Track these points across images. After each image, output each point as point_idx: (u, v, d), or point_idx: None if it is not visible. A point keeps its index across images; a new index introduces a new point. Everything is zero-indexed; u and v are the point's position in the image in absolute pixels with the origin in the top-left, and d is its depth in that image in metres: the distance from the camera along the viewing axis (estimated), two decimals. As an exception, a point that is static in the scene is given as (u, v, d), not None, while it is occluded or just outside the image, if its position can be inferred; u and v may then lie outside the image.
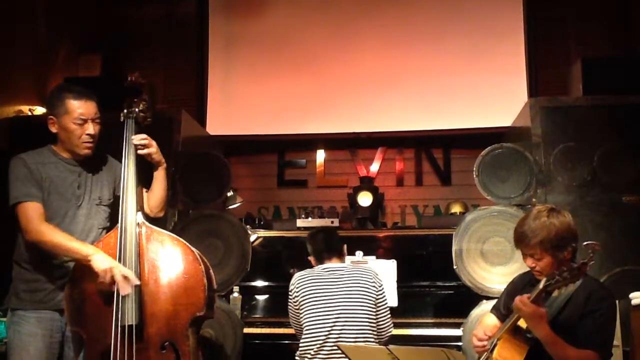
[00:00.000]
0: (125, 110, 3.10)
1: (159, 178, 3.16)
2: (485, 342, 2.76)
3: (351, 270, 3.42)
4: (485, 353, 2.71)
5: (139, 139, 3.05)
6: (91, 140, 3.01)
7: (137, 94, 3.14)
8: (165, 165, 3.18)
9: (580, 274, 2.44)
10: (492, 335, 2.77)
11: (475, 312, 3.84)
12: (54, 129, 3.01)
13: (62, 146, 3.03)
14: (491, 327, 2.88)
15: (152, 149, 3.08)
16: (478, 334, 2.82)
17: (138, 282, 2.77)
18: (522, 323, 2.61)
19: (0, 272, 3.12)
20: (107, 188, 3.13)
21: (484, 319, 3.08)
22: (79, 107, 2.96)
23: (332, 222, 4.91)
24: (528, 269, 2.81)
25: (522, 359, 2.58)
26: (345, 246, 3.65)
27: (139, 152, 3.03)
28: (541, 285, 2.48)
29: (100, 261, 2.76)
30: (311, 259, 3.61)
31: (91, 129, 2.99)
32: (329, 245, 3.55)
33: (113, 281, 2.74)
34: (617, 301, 2.73)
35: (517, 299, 2.61)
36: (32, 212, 2.87)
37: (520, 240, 2.75)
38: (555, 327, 2.57)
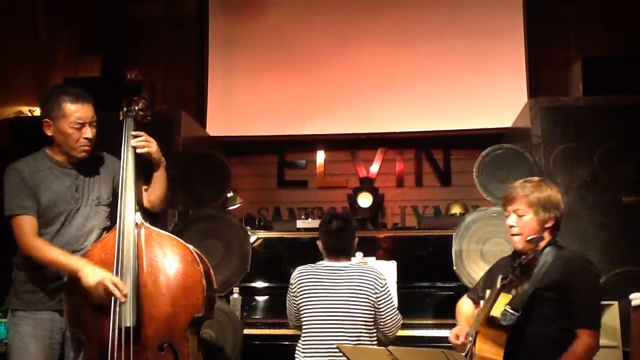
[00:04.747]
0: (124, 109, 3.08)
1: (160, 175, 3.14)
2: (462, 340, 2.76)
3: (352, 271, 3.39)
4: (469, 346, 2.71)
5: (137, 140, 3.03)
6: (88, 144, 2.98)
7: (136, 93, 3.12)
8: (165, 162, 3.15)
9: (531, 268, 2.45)
10: (467, 333, 2.77)
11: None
12: (49, 132, 2.97)
13: (58, 149, 3.00)
14: (467, 317, 2.90)
15: (152, 148, 3.06)
16: (452, 337, 2.84)
17: (126, 293, 2.75)
18: (495, 312, 2.59)
19: (0, 273, 3.13)
20: (105, 187, 3.11)
21: (459, 306, 3.09)
22: (77, 111, 2.93)
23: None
24: None
25: (502, 348, 2.57)
26: (356, 240, 3.58)
27: (138, 151, 3.00)
28: (498, 285, 2.48)
29: (89, 276, 2.74)
30: (319, 243, 3.51)
31: (88, 132, 2.96)
32: (339, 241, 3.44)
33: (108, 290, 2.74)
34: (596, 268, 2.79)
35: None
36: (24, 226, 2.87)
37: (508, 195, 2.79)
38: (539, 297, 2.57)
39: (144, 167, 3.12)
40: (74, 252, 2.94)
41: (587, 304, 2.60)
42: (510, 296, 2.61)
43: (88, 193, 3.05)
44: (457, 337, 2.81)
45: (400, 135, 5.90)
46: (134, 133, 3.04)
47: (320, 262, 3.48)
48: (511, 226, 2.76)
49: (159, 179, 3.14)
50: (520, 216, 2.73)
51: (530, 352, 2.59)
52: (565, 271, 2.61)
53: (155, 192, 3.14)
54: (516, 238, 2.76)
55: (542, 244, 2.71)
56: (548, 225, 2.72)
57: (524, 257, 2.49)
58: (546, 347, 2.61)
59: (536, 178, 2.84)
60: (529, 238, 2.65)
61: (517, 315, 2.55)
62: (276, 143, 6.14)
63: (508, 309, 2.56)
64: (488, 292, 2.63)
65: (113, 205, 3.07)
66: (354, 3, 6.01)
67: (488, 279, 2.90)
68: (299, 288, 3.38)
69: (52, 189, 2.96)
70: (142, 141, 3.03)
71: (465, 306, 3.04)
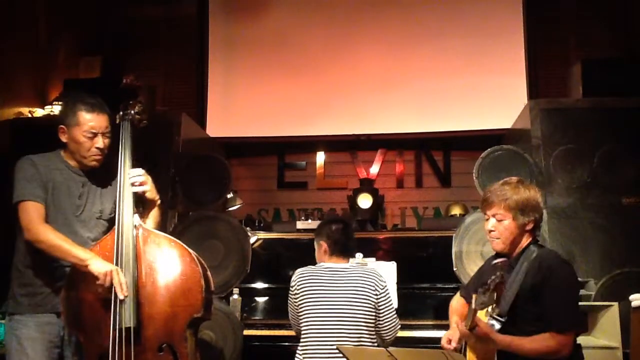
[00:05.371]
0: (120, 113, 3.10)
1: (153, 216, 3.11)
2: (455, 345, 2.76)
3: (352, 272, 3.39)
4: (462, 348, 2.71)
5: (134, 174, 2.99)
6: (100, 153, 3.00)
7: (132, 96, 3.13)
8: (159, 202, 3.13)
9: (499, 292, 2.39)
10: (459, 337, 2.77)
11: (475, 314, 3.84)
12: (63, 139, 3.00)
13: (72, 155, 3.03)
14: (459, 316, 2.89)
15: (147, 187, 3.02)
16: (444, 341, 2.83)
17: (127, 294, 2.75)
18: (481, 316, 2.58)
19: (0, 275, 3.12)
20: (109, 202, 3.10)
21: (451, 304, 3.08)
22: (91, 120, 2.95)
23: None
24: None
25: (493, 352, 2.56)
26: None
27: (133, 189, 2.97)
28: (473, 306, 2.44)
29: (99, 264, 2.75)
30: (322, 243, 3.48)
31: (100, 142, 2.98)
32: (347, 240, 3.46)
33: (111, 285, 2.74)
34: (572, 267, 2.70)
35: (460, 331, 2.61)
36: (34, 211, 2.86)
37: (486, 199, 2.75)
38: (521, 302, 2.56)
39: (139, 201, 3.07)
40: None
41: (557, 306, 2.54)
42: (486, 312, 2.61)
43: (91, 204, 3.06)
44: (449, 341, 2.80)
45: (400, 137, 5.91)
46: (131, 171, 2.99)
47: (320, 263, 3.47)
48: (490, 230, 2.74)
49: (152, 218, 3.11)
50: (499, 221, 2.70)
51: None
52: (539, 272, 2.58)
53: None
54: (495, 241, 2.74)
55: (522, 245, 2.70)
56: (528, 228, 2.69)
57: (491, 279, 2.40)
58: None
59: (514, 179, 2.78)
60: (494, 262, 2.62)
61: (503, 321, 2.56)
62: (276, 144, 6.14)
63: (494, 315, 2.55)
64: (474, 296, 2.62)
65: (113, 221, 3.04)
66: (353, 4, 6.01)
67: (478, 279, 2.89)
68: (299, 290, 3.37)
69: (58, 190, 2.96)
70: (139, 177, 2.99)
71: (457, 305, 3.02)
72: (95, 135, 2.97)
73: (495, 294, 2.37)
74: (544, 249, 2.73)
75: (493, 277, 2.37)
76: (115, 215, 3.01)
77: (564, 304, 2.55)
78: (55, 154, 3.05)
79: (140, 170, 3.02)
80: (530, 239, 2.72)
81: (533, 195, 2.70)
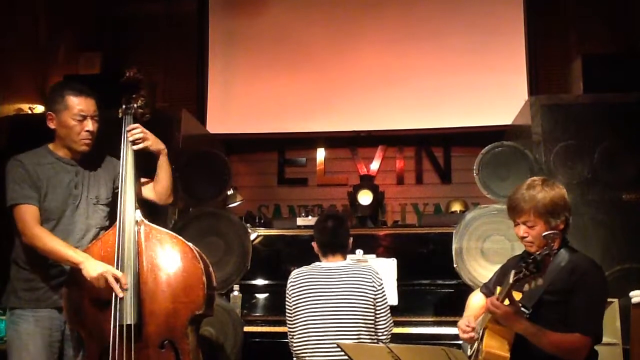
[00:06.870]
0: (123, 106, 3.11)
1: (162, 165, 3.16)
2: (471, 333, 2.73)
3: (350, 270, 3.39)
4: (476, 343, 2.70)
5: (133, 134, 3.04)
6: (90, 137, 3.01)
7: (134, 90, 3.13)
8: (165, 151, 3.16)
9: (545, 265, 2.37)
10: (475, 325, 2.76)
11: (476, 311, 3.83)
12: (52, 125, 3.01)
13: (60, 143, 3.03)
14: (476, 310, 2.86)
15: (148, 142, 3.08)
16: (462, 326, 2.78)
17: (128, 286, 2.76)
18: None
19: (0, 270, 3.12)
20: (104, 187, 3.12)
21: (470, 297, 3.06)
22: (79, 104, 2.97)
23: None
24: None
25: (510, 344, 2.55)
26: (351, 239, 3.59)
27: (135, 147, 3.03)
28: (511, 280, 2.43)
29: (91, 269, 2.75)
30: (314, 244, 3.52)
31: (90, 125, 3.00)
32: (335, 239, 3.46)
33: (108, 285, 2.75)
34: (605, 274, 2.68)
35: (488, 301, 2.59)
36: (27, 215, 2.87)
37: (514, 206, 2.71)
38: (545, 301, 2.55)
39: (147, 160, 3.12)
40: None
41: (585, 309, 2.53)
42: (521, 294, 2.58)
43: (87, 191, 3.06)
44: (465, 331, 2.78)
45: (401, 133, 5.90)
46: (128, 127, 3.06)
47: (316, 263, 3.47)
48: (523, 237, 2.70)
49: (162, 169, 3.16)
50: (530, 227, 2.66)
51: (540, 354, 2.55)
52: (571, 277, 2.56)
53: (160, 182, 3.17)
54: (529, 244, 2.70)
55: (556, 244, 2.61)
56: (560, 228, 2.66)
57: (538, 252, 2.40)
58: None
59: (538, 181, 2.73)
60: (544, 234, 2.57)
61: (528, 312, 2.54)
62: (276, 140, 6.14)
63: (521, 305, 2.54)
64: (499, 288, 2.61)
65: (112, 205, 3.08)
66: (353, 0, 6.00)
67: (501, 276, 2.87)
68: (295, 290, 3.37)
69: (52, 184, 2.97)
70: (137, 134, 3.05)
71: (475, 299, 2.99)
72: (84, 118, 2.99)
73: (541, 266, 2.34)
74: (577, 254, 2.67)
75: (538, 252, 2.37)
76: (112, 199, 3.07)
77: (593, 309, 2.56)
78: (43, 148, 3.06)
79: (137, 126, 3.07)
80: (561, 241, 2.67)
81: (559, 194, 2.67)
